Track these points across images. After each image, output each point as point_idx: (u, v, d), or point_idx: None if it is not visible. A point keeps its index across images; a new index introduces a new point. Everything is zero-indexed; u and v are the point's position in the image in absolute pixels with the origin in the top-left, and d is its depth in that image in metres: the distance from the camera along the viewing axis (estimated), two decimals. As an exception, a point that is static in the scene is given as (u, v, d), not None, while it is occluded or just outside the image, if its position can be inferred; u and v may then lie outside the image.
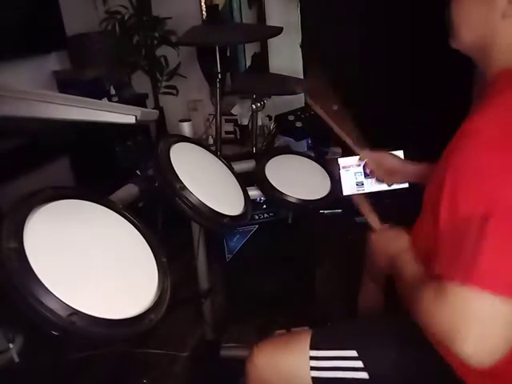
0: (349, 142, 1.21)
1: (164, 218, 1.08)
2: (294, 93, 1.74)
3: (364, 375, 0.87)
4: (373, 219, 1.07)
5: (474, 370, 0.78)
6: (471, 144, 0.65)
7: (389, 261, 0.91)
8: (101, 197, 0.85)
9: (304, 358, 0.90)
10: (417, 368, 0.86)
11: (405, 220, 0.96)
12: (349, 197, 1.22)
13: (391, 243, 0.93)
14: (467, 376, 0.80)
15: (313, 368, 0.89)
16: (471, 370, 0.78)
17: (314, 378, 0.89)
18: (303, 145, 2.34)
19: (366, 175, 1.23)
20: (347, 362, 0.88)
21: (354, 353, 0.88)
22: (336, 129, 1.19)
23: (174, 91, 2.89)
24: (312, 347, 0.91)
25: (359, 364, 0.88)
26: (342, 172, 1.23)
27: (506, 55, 0.75)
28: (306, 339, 0.93)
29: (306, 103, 2.53)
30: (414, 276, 0.79)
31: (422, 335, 0.84)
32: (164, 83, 2.90)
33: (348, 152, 1.22)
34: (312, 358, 0.90)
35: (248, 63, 2.88)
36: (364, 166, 1.22)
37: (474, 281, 0.58)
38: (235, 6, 2.81)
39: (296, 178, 1.36)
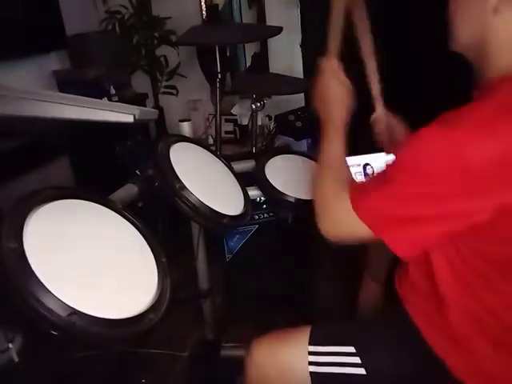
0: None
1: (164, 218, 1.08)
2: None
3: (361, 371, 0.87)
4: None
5: (475, 372, 0.79)
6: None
7: (323, 114, 1.00)
8: (101, 197, 0.86)
9: (303, 352, 0.91)
10: (413, 368, 0.86)
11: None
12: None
13: (337, 99, 1.00)
14: (467, 379, 0.80)
15: (311, 363, 0.90)
16: (472, 372, 0.79)
17: (312, 373, 0.89)
18: (303, 145, 2.35)
19: (365, 175, 1.23)
20: (345, 357, 0.89)
21: (351, 349, 0.89)
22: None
23: (174, 91, 2.89)
24: (311, 342, 0.91)
25: (357, 360, 0.88)
26: None
27: (501, 54, 0.73)
28: (305, 334, 0.93)
29: (306, 103, 2.53)
30: (333, 161, 0.97)
31: (420, 337, 0.84)
32: (164, 83, 2.90)
33: (348, 152, 1.22)
34: (311, 353, 0.90)
35: (248, 63, 2.88)
36: (364, 166, 1.22)
37: (357, 207, 0.76)
38: (235, 5, 2.81)
39: (296, 177, 1.36)
